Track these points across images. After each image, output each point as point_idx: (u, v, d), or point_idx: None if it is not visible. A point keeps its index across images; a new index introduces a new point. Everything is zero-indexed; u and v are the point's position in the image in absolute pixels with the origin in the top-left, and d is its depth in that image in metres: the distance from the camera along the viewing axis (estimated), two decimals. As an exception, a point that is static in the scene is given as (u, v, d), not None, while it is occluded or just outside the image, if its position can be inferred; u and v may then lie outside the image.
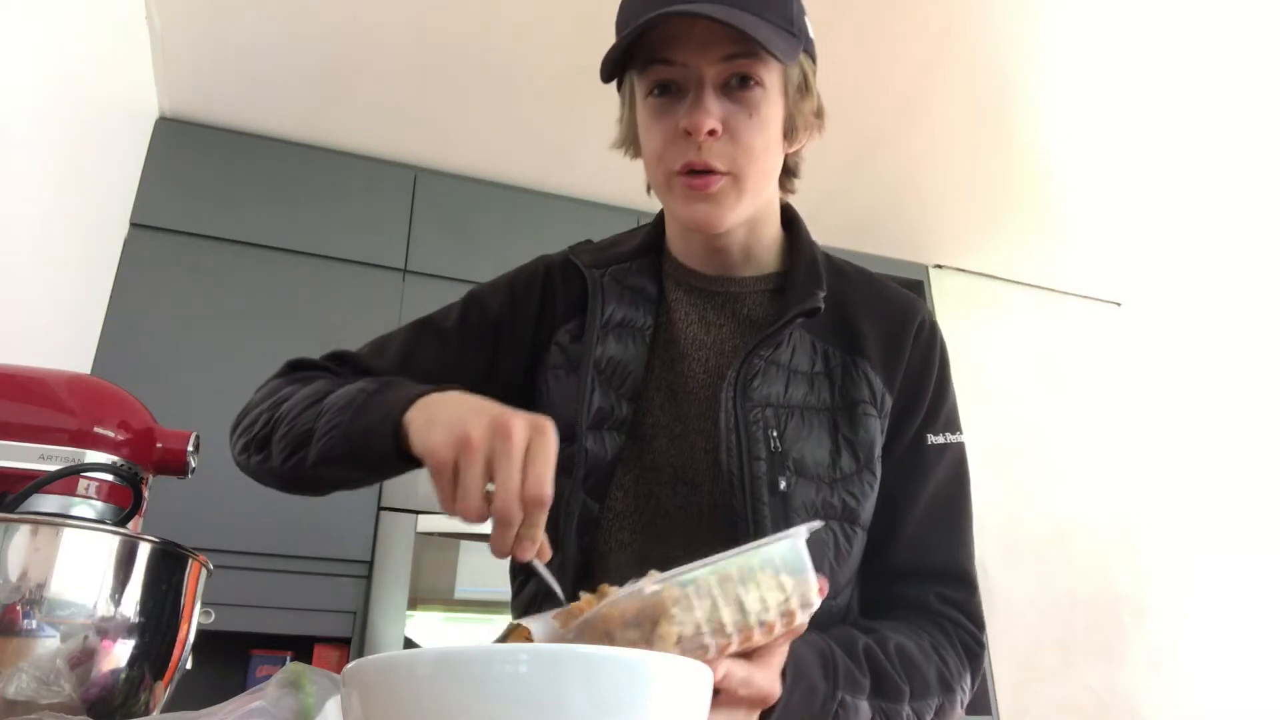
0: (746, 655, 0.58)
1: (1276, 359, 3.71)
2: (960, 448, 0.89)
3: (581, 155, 2.63)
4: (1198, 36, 2.22)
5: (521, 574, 0.91)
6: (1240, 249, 3.20)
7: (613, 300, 0.90)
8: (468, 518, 0.61)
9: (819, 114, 0.87)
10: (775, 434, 0.82)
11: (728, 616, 0.53)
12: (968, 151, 2.69)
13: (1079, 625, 3.01)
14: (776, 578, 0.55)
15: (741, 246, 0.90)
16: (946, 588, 0.84)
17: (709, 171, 0.79)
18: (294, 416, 0.79)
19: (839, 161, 2.69)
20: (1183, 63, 2.31)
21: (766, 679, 0.59)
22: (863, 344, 0.88)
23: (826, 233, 2.99)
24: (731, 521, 0.80)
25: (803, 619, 0.57)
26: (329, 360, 0.93)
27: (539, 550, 0.62)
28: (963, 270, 3.36)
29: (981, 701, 2.65)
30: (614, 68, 0.81)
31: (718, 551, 0.83)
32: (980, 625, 0.84)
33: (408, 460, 0.70)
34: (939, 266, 3.32)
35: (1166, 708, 3.00)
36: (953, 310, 3.25)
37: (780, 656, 0.61)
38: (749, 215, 0.85)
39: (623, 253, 0.94)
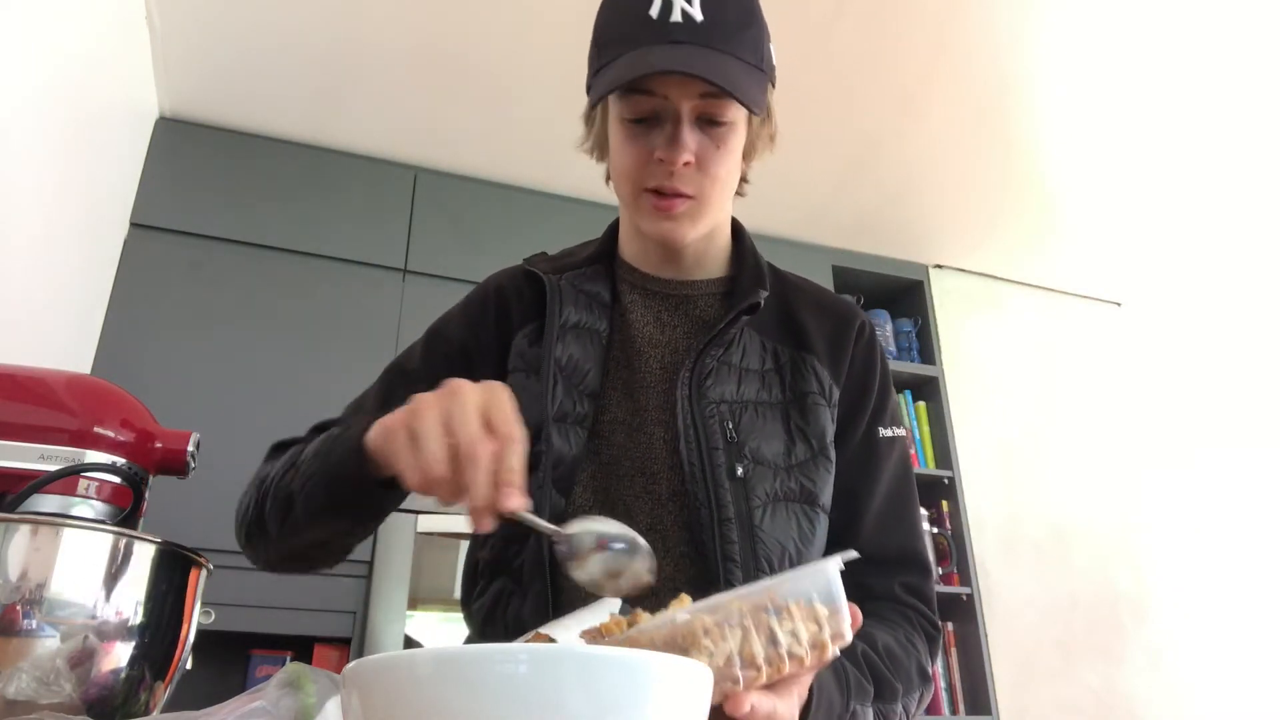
0: (769, 686, 0.58)
1: (1276, 359, 3.71)
2: (904, 441, 0.97)
3: (581, 155, 2.62)
4: (1197, 37, 2.22)
5: (483, 577, 0.92)
6: (1240, 249, 3.20)
7: (569, 304, 0.94)
8: (430, 472, 0.61)
9: (774, 136, 0.93)
10: (731, 425, 0.88)
11: (759, 648, 0.52)
12: (968, 151, 2.69)
13: (1079, 625, 3.01)
14: (811, 608, 0.55)
15: (696, 254, 0.96)
16: (908, 574, 0.90)
17: (676, 195, 0.85)
18: (276, 485, 0.81)
19: (839, 161, 2.69)
20: (1182, 63, 2.31)
21: (789, 710, 0.58)
22: (809, 340, 0.94)
23: (827, 232, 3.03)
24: (693, 507, 0.85)
25: (834, 652, 0.56)
26: (309, 433, 0.95)
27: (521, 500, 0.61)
28: (963, 270, 3.37)
29: (981, 701, 2.66)
30: (598, 96, 0.85)
31: (679, 534, 0.85)
32: (935, 610, 0.90)
33: (380, 486, 0.71)
34: (939, 266, 3.32)
35: (1166, 708, 3.00)
36: (953, 310, 3.25)
37: (802, 687, 0.61)
38: (707, 229, 0.92)
39: (577, 260, 0.99)
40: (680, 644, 0.51)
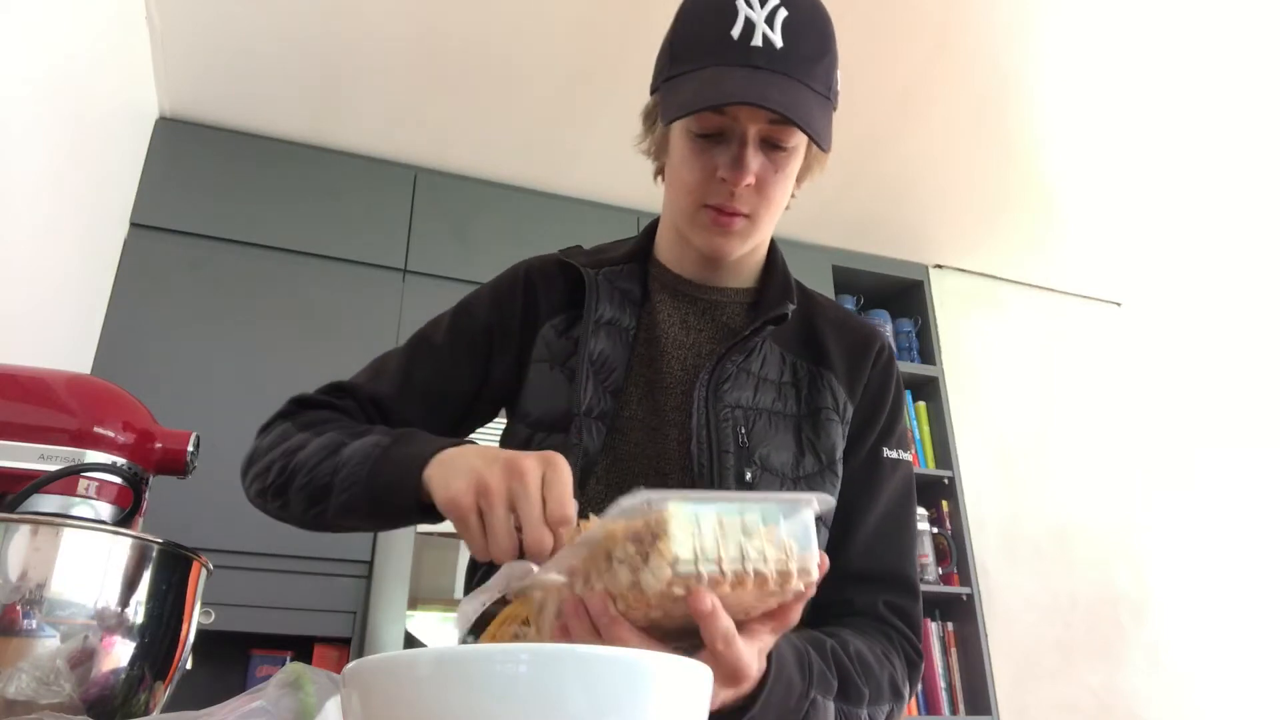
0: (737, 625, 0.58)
1: (1276, 359, 3.71)
2: (909, 466, 0.98)
3: (581, 155, 2.63)
4: (1197, 36, 2.22)
5: (484, 564, 0.92)
6: (1240, 249, 3.20)
7: (605, 299, 0.95)
8: (500, 560, 0.64)
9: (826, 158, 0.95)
10: (744, 430, 0.89)
11: (726, 553, 0.52)
12: (968, 151, 2.69)
13: (1079, 625, 3.01)
14: (783, 539, 0.55)
15: (732, 263, 0.97)
16: (894, 594, 0.90)
17: (735, 213, 0.88)
18: (311, 468, 0.82)
19: (839, 161, 2.67)
20: (1182, 62, 2.31)
21: (748, 652, 0.59)
22: (828, 357, 0.96)
23: (826, 232, 3.03)
24: None
25: (797, 585, 0.56)
26: (329, 393, 0.96)
27: None
28: (963, 270, 3.37)
29: (981, 701, 2.65)
30: (674, 115, 0.85)
31: None
32: (920, 635, 0.90)
33: (429, 513, 0.73)
34: (939, 266, 3.32)
35: (1166, 708, 3.00)
36: (953, 310, 3.25)
37: (762, 642, 0.61)
38: (754, 246, 0.95)
39: (614, 257, 1.00)
40: (651, 529, 0.51)
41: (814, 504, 0.57)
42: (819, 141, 0.81)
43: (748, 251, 0.95)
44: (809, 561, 0.56)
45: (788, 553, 0.55)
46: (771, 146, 0.85)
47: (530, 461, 0.64)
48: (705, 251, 0.92)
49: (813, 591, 0.58)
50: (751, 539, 0.53)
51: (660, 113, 0.88)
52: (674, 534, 0.51)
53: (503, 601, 0.63)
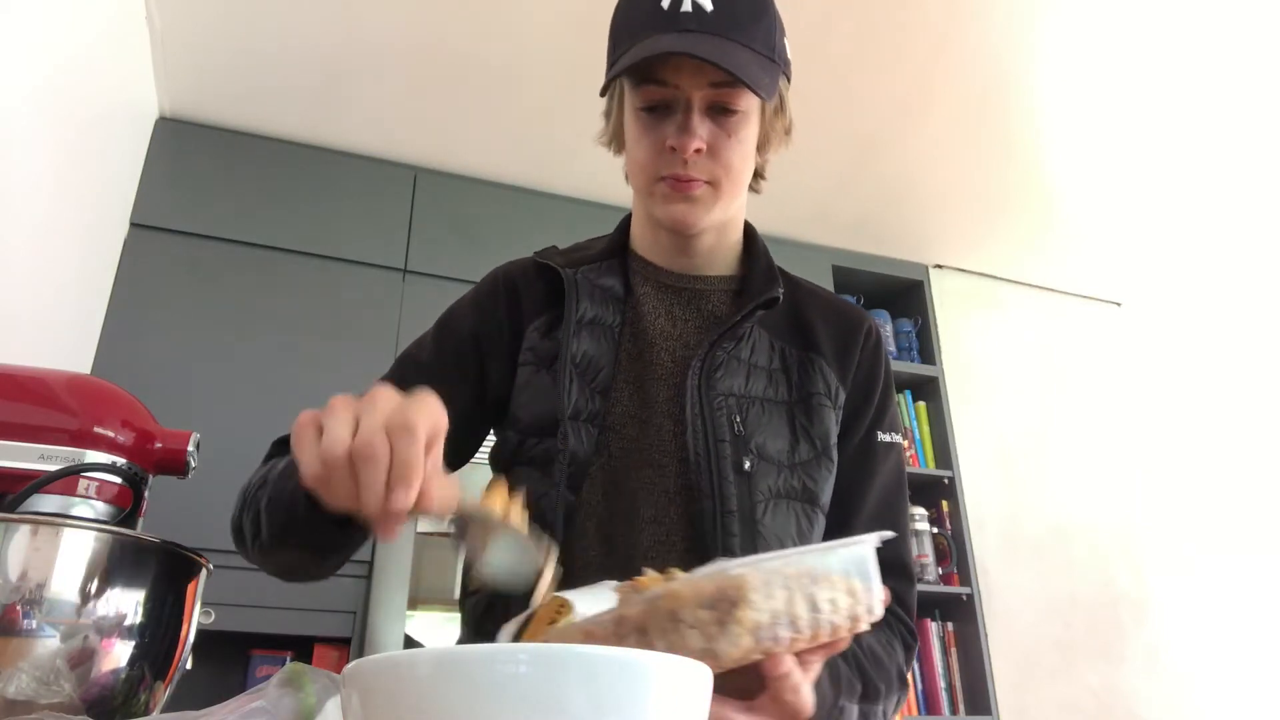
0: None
1: (1276, 359, 3.71)
2: (901, 449, 0.97)
3: (581, 155, 2.63)
4: (1197, 36, 2.22)
5: (471, 595, 0.91)
6: (1240, 249, 3.20)
7: (585, 298, 0.94)
8: (328, 453, 0.54)
9: (789, 130, 0.95)
10: (739, 419, 0.88)
11: (802, 611, 0.53)
12: (968, 151, 2.69)
13: (1079, 625, 3.01)
14: (847, 581, 0.55)
15: (709, 248, 0.97)
16: (891, 580, 0.90)
17: (691, 179, 0.87)
18: (252, 498, 0.81)
19: (839, 161, 2.69)
20: (1182, 63, 2.31)
21: (808, 692, 0.59)
22: (817, 342, 0.95)
23: (827, 232, 3.03)
24: (697, 500, 0.85)
25: (864, 627, 0.57)
26: None
27: (427, 502, 0.55)
28: (963, 270, 3.37)
29: (981, 701, 2.66)
30: (607, 81, 0.88)
31: (683, 528, 0.84)
32: (914, 617, 0.91)
33: (329, 522, 0.68)
34: (939, 266, 3.32)
35: (1166, 708, 3.00)
36: (953, 310, 3.25)
37: (814, 672, 0.61)
38: (721, 219, 0.93)
39: (591, 255, 0.99)
40: (729, 596, 0.51)
41: (873, 541, 0.57)
42: (758, 89, 0.80)
43: (716, 230, 0.94)
44: (874, 601, 0.57)
45: (855, 595, 0.55)
46: (721, 111, 0.85)
47: (388, 388, 0.58)
48: (669, 224, 0.91)
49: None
50: (821, 589, 0.54)
51: (601, 90, 0.90)
52: (753, 600, 0.51)
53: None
